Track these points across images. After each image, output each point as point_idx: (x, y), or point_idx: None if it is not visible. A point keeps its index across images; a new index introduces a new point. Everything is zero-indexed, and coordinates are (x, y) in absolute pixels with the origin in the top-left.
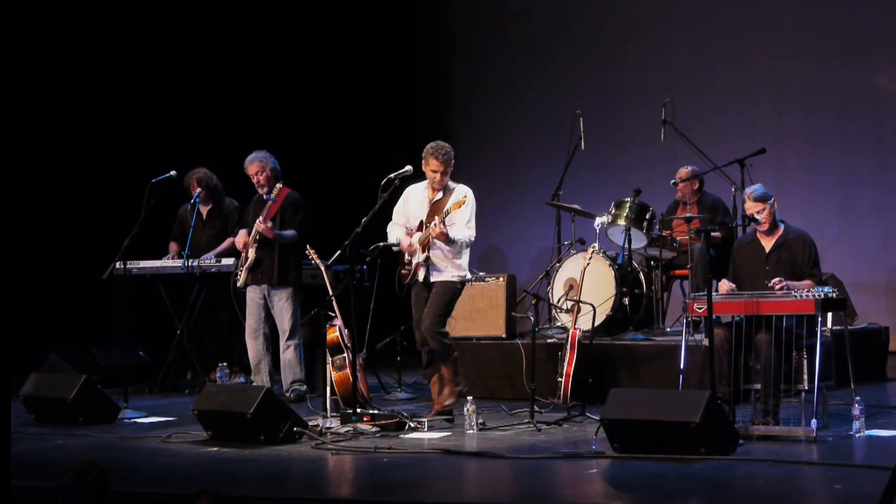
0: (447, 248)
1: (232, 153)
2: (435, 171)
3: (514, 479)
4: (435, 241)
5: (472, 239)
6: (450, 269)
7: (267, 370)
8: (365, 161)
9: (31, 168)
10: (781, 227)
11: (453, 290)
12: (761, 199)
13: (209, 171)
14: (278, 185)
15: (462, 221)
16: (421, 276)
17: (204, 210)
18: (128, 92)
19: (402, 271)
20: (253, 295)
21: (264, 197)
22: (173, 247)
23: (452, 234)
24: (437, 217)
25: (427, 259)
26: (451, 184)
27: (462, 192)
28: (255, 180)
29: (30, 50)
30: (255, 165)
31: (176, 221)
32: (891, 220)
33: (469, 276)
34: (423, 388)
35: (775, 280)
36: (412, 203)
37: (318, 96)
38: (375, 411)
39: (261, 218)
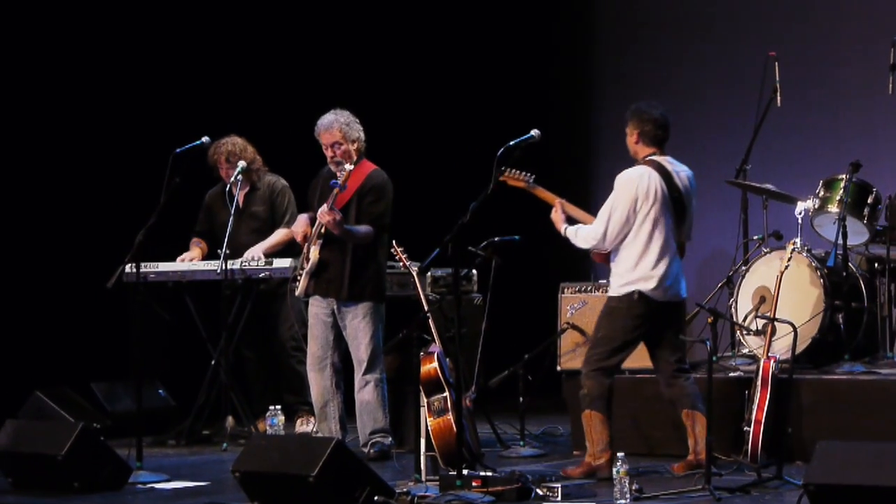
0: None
1: (282, 116)
2: None
3: None
4: None
5: (588, 238)
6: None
7: (337, 415)
8: (473, 126)
9: (7, 148)
10: None
11: (605, 309)
12: None
13: (243, 141)
14: (348, 166)
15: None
16: None
17: (240, 195)
18: (133, 31)
19: None
20: (317, 310)
21: (334, 177)
22: (197, 245)
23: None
24: None
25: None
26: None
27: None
28: (328, 154)
29: None
30: (334, 133)
31: (201, 211)
32: None
33: (632, 287)
34: (554, 439)
35: None
36: None
37: (403, 35)
38: (489, 473)
39: (325, 206)
